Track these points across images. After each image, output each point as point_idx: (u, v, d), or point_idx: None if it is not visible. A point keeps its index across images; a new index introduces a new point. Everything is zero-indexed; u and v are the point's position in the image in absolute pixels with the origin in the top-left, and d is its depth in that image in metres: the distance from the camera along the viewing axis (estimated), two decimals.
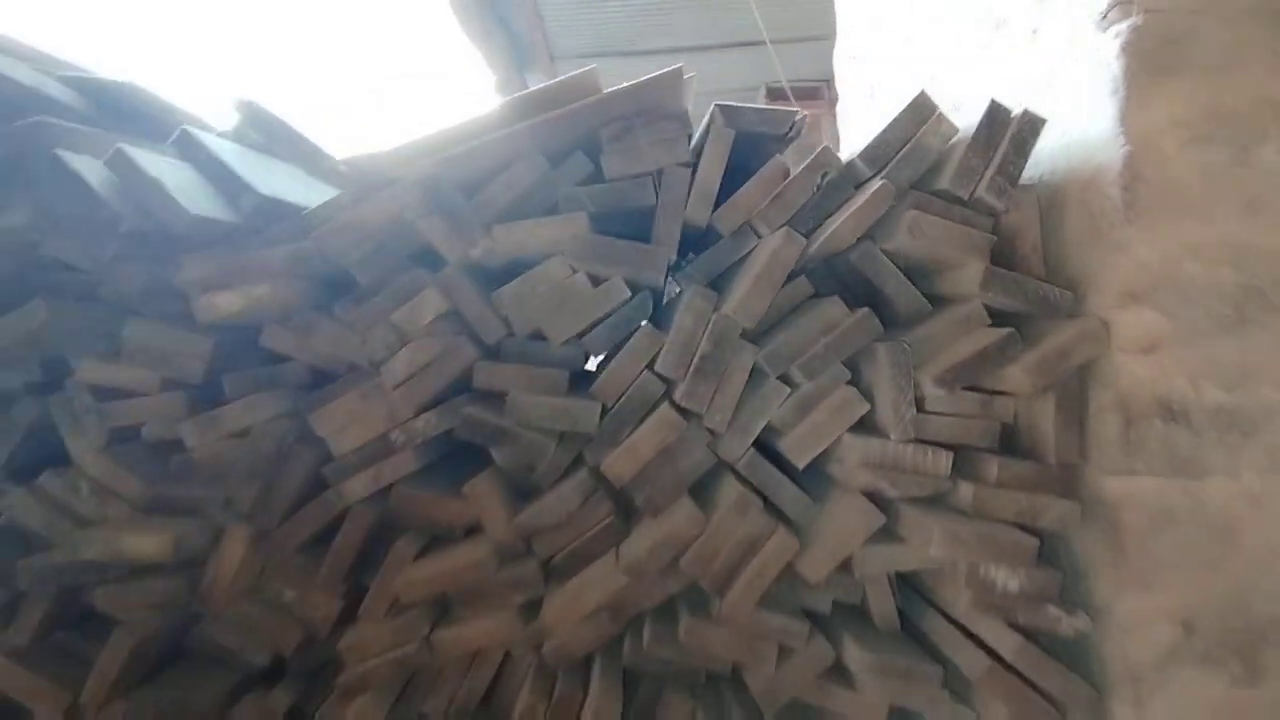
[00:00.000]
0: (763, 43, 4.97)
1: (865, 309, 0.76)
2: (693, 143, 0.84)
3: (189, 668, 0.90)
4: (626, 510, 0.86)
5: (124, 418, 0.87)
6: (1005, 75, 0.85)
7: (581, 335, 0.82)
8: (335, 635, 0.91)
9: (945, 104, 0.79)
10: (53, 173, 0.74)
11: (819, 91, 5.67)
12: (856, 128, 1.30)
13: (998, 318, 0.76)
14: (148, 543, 0.80)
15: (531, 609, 0.86)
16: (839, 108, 1.37)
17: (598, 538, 0.84)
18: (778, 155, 0.80)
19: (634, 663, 0.83)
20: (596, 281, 0.82)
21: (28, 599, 0.87)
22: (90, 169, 0.73)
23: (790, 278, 0.79)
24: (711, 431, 0.79)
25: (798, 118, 0.81)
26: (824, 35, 4.66)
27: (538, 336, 0.84)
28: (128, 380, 0.89)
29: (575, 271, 0.83)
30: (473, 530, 0.89)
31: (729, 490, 0.77)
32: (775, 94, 5.69)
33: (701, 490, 0.83)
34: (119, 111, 0.88)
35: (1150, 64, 0.69)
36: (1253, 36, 0.70)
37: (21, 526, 0.89)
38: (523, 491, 0.89)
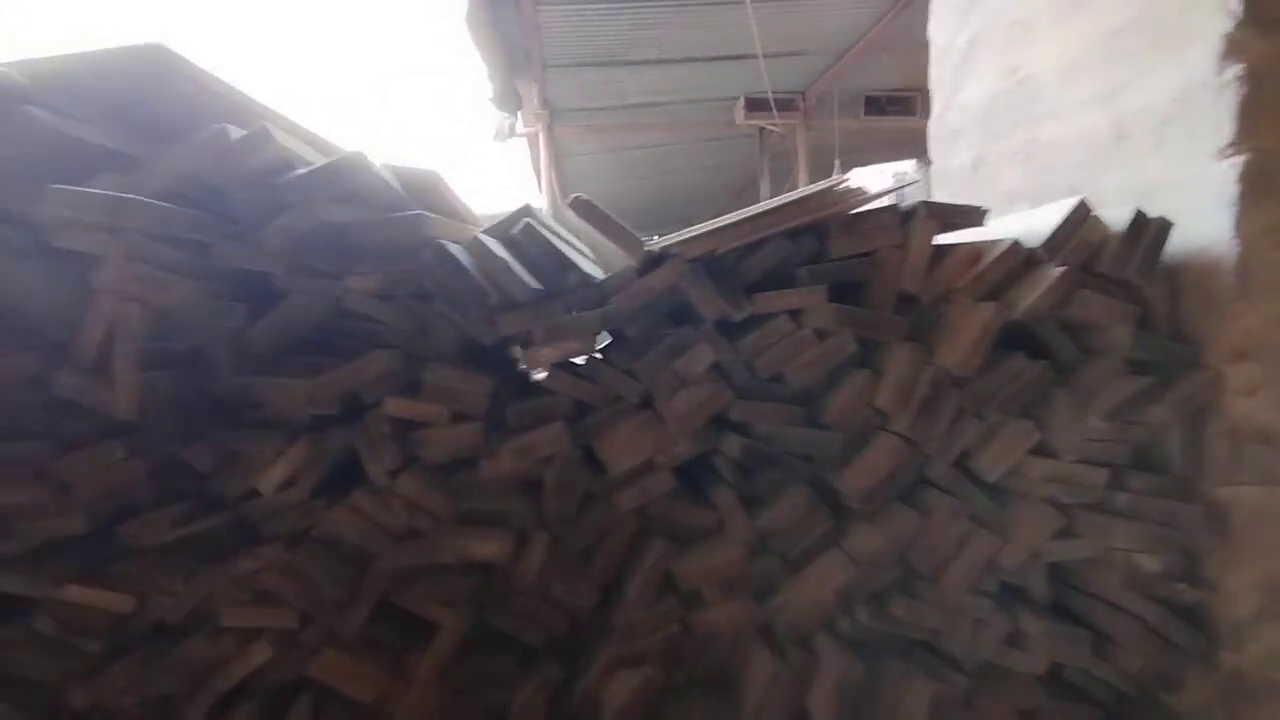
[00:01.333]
0: (743, 56, 5.25)
1: (1044, 361, 1.01)
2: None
3: (476, 649, 1.10)
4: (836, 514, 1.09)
5: (433, 446, 1.06)
6: (1128, 178, 1.11)
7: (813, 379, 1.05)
8: (591, 621, 1.11)
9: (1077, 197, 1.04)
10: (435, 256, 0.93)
11: (795, 103, 5.96)
12: (954, 188, 1.54)
13: (1137, 367, 1.02)
14: (490, 546, 0.99)
15: (763, 594, 1.08)
16: (934, 166, 1.62)
17: (823, 537, 1.06)
18: (970, 241, 1.04)
19: (855, 636, 1.06)
20: (820, 335, 1.05)
21: (357, 600, 1.04)
22: (460, 252, 0.92)
23: None
24: (923, 454, 1.02)
25: (978, 213, 1.05)
26: (802, 51, 4.92)
27: (775, 380, 1.06)
28: (424, 414, 1.07)
29: (800, 327, 1.05)
30: (709, 533, 1.11)
31: (938, 500, 1.01)
32: (754, 104, 5.99)
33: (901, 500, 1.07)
34: (419, 195, 1.06)
35: (1256, 187, 0.95)
36: None
37: (333, 539, 1.07)
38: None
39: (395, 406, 1.06)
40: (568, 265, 0.99)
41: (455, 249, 0.94)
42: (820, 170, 7.28)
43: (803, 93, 6.06)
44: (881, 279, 1.03)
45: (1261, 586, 1.00)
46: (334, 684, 1.04)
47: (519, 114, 6.12)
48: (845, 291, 1.05)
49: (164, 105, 1.00)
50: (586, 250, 1.17)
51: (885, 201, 1.05)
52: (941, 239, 1.03)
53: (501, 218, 1.06)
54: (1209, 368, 1.00)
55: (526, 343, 1.07)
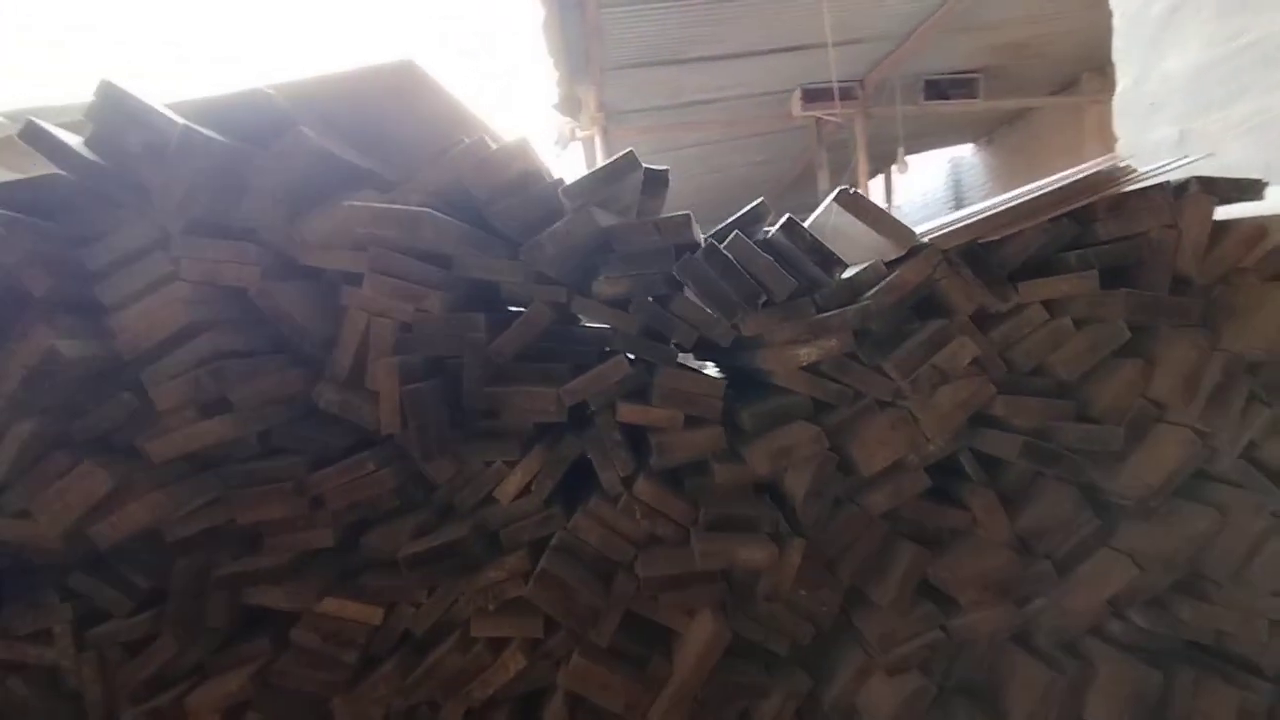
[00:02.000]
0: (799, 48, 5.16)
1: None
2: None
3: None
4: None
5: (671, 451, 1.04)
6: None
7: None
8: (834, 628, 1.08)
9: None
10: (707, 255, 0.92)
11: (853, 91, 5.83)
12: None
13: None
14: (759, 553, 0.96)
15: (1024, 599, 1.03)
16: (1123, 142, 1.54)
17: (1090, 538, 1.01)
18: (1251, 216, 0.97)
19: (1132, 641, 1.00)
20: (1078, 324, 0.99)
21: (609, 609, 1.03)
22: (729, 251, 0.90)
23: None
24: (1211, 446, 0.96)
25: (1258, 185, 0.98)
26: (860, 39, 4.81)
27: (1036, 372, 1.01)
28: (658, 419, 1.05)
29: (1053, 316, 1.00)
30: (958, 534, 1.06)
31: (1233, 495, 0.94)
32: (811, 94, 5.89)
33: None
34: None
35: None
36: None
37: (574, 547, 1.06)
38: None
39: (628, 412, 1.04)
40: (833, 261, 0.96)
41: (724, 248, 0.91)
42: (880, 159, 7.14)
43: (861, 81, 5.94)
44: (1155, 261, 0.97)
45: None
46: (585, 693, 1.03)
47: (579, 118, 6.15)
48: (1106, 276, 0.99)
49: (408, 121, 1.00)
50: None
51: (1152, 180, 0.98)
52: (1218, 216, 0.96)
53: (738, 216, 1.03)
54: None
55: (761, 343, 1.05)
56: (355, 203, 0.90)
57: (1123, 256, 0.97)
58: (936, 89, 6.34)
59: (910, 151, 6.76)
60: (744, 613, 1.06)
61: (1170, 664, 0.99)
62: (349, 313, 1.01)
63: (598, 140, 6.17)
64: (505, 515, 1.07)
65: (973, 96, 6.23)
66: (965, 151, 8.58)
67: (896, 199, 8.24)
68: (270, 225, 0.97)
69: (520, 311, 1.04)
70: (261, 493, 1.01)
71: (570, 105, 5.83)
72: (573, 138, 6.55)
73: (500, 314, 1.06)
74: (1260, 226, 0.96)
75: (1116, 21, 1.52)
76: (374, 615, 1.04)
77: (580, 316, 1.08)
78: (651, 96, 5.71)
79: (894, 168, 6.71)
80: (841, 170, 6.63)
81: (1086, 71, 6.32)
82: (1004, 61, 5.69)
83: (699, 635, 1.02)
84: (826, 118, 5.95)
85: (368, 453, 1.03)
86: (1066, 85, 6.34)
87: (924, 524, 1.04)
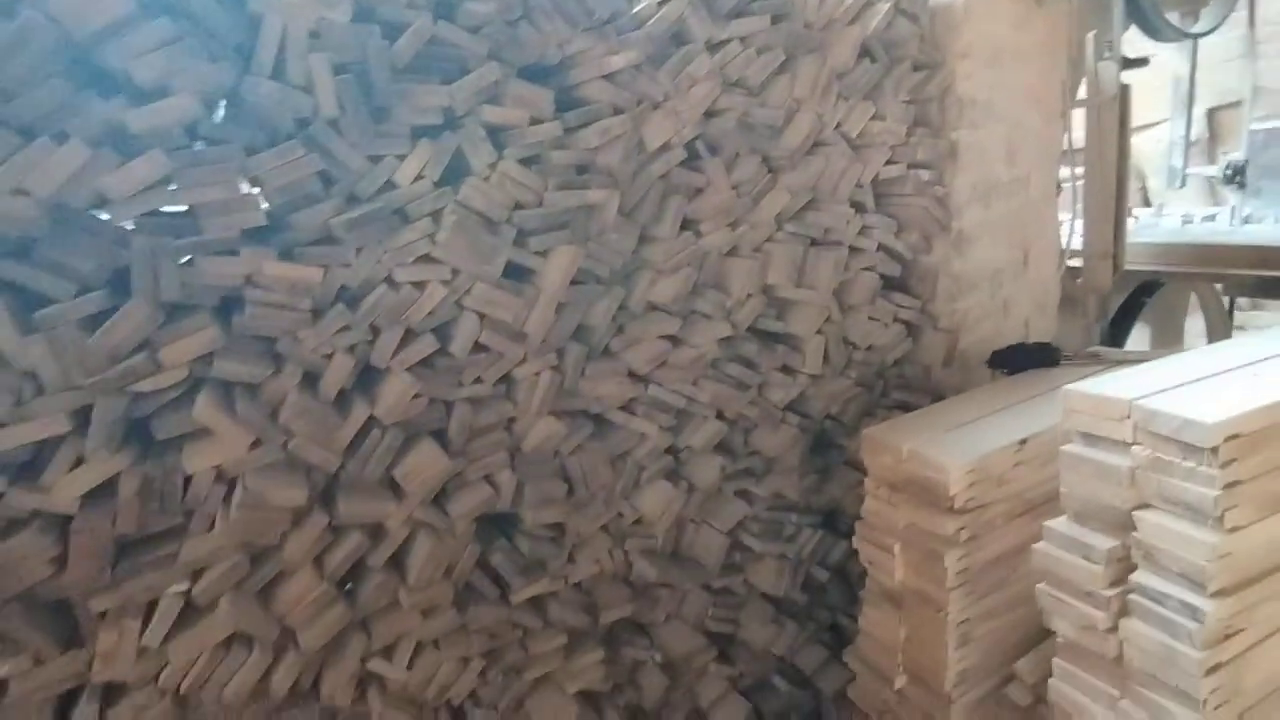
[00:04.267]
0: None
1: None
2: None
3: None
4: None
5: (522, 141, 1.48)
6: None
7: None
8: None
9: None
10: None
11: None
12: None
13: None
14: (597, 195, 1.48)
15: None
16: None
17: None
18: None
19: None
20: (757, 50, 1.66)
21: (498, 252, 1.47)
22: None
23: None
24: None
25: None
26: None
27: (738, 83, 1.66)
28: (512, 118, 1.48)
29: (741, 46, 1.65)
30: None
31: None
32: None
33: None
34: None
35: None
36: None
37: None
38: None
39: (491, 113, 1.46)
40: None
41: None
42: None
43: None
44: None
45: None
46: (486, 310, 1.50)
47: None
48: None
49: None
50: None
51: None
52: None
53: None
54: None
55: (577, 62, 1.51)
56: None
57: (780, 7, 1.64)
58: None
59: None
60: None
61: None
62: (266, 17, 1.21)
63: None
64: (408, 194, 1.42)
65: None
66: None
67: None
68: None
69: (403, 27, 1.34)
70: (206, 172, 1.22)
71: None
72: None
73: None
74: None
75: None
76: (315, 275, 1.35)
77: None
78: None
79: None
80: None
81: None
82: None
83: (559, 263, 1.54)
84: None
85: (295, 140, 1.28)
86: None
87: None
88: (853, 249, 1.89)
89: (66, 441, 1.21)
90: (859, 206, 1.89)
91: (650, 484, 1.77)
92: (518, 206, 1.51)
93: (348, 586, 1.50)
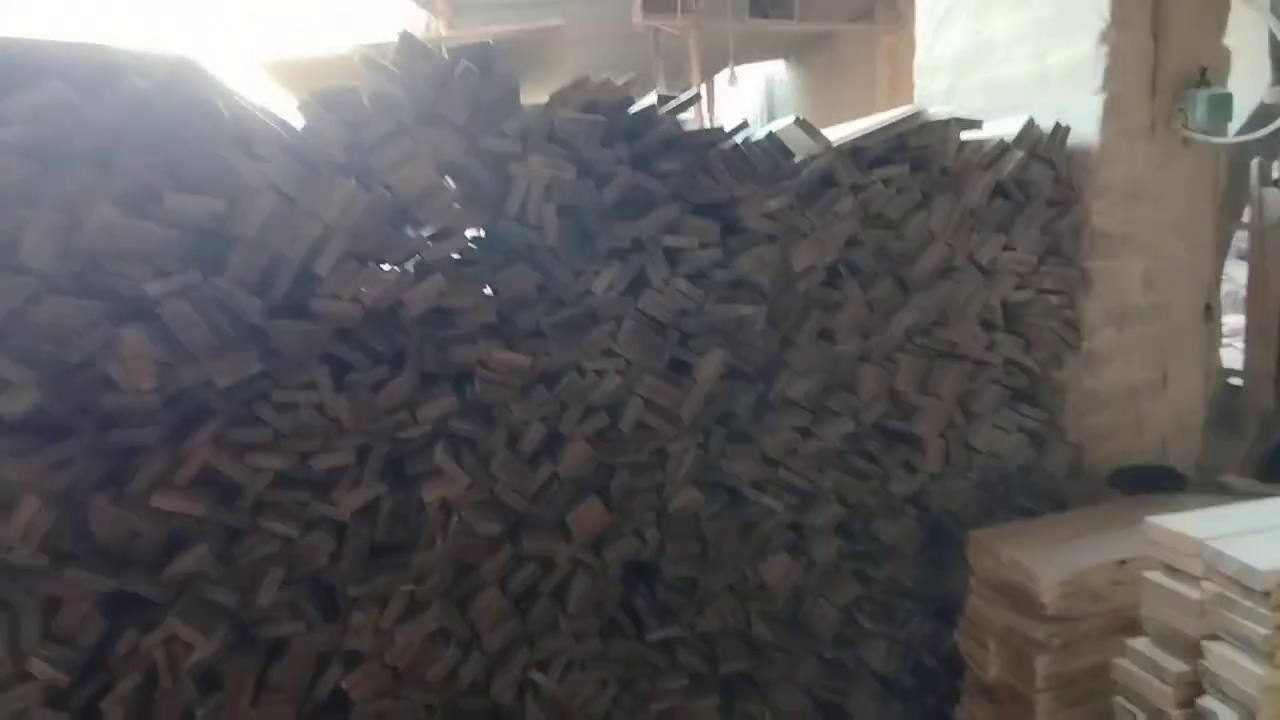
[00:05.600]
0: None
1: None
2: None
3: None
4: None
5: (693, 260, 1.84)
6: (1047, 104, 2.06)
7: None
8: None
9: None
10: None
11: (689, 4, 6.63)
12: (933, 105, 2.45)
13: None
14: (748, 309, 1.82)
15: None
16: (918, 89, 2.52)
17: None
18: (981, 138, 1.94)
19: None
20: (897, 189, 1.93)
21: (663, 350, 1.84)
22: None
23: None
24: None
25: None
26: None
27: (878, 217, 1.94)
28: (686, 244, 1.86)
29: (885, 187, 1.93)
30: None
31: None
32: (651, 4, 6.67)
33: None
34: None
35: (1109, 111, 1.93)
36: None
37: None
38: None
39: (670, 239, 1.83)
40: (789, 153, 1.80)
41: (741, 146, 1.72)
42: (706, 71, 8.07)
43: None
44: (932, 158, 1.92)
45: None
46: (649, 395, 1.86)
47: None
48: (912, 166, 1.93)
49: None
50: None
51: None
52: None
53: (736, 126, 1.83)
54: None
55: (741, 199, 1.87)
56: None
57: (920, 155, 1.91)
58: (759, 7, 7.30)
59: (737, 64, 7.73)
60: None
61: None
62: (516, 178, 1.67)
63: (442, 31, 6.48)
64: (599, 301, 1.82)
65: (789, 17, 7.26)
66: (777, 68, 9.79)
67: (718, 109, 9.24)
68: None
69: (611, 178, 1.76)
70: (464, 286, 1.68)
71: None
72: (426, 32, 6.76)
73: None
74: (980, 142, 1.94)
75: (918, 14, 2.46)
76: (526, 361, 1.77)
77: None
78: None
79: (727, 80, 7.63)
80: (674, 78, 7.43)
81: (880, 2, 7.51)
82: None
83: (712, 362, 1.87)
84: (664, 27, 6.70)
85: (524, 262, 1.72)
86: (863, 14, 7.51)
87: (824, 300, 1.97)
88: (980, 362, 2.07)
89: (350, 470, 1.69)
90: (988, 324, 2.08)
91: (774, 554, 2.02)
92: (683, 314, 1.86)
93: (521, 606, 1.88)
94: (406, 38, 1.50)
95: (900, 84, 7.40)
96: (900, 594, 2.15)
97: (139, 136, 1.39)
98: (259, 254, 1.51)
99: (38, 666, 1.50)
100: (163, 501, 1.52)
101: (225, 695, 1.65)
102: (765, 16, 7.10)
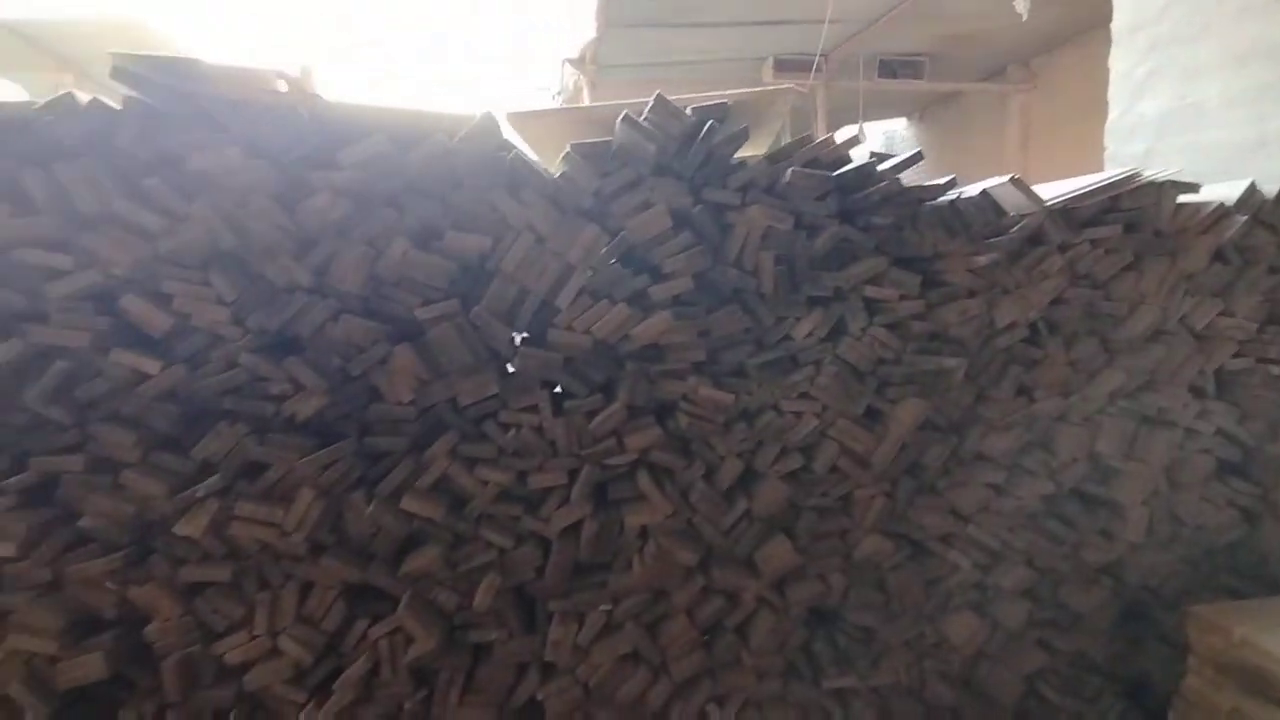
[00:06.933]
0: (778, 22, 6.05)
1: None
2: None
3: None
4: None
5: (893, 312, 1.89)
6: (1266, 169, 2.00)
7: None
8: None
9: None
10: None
11: (819, 64, 6.76)
12: (1127, 166, 2.41)
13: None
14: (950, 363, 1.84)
15: None
16: (1109, 152, 2.49)
17: None
18: (1198, 201, 1.91)
19: None
20: (1106, 251, 1.91)
21: (861, 395, 1.88)
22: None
23: None
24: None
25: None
26: (832, 19, 5.72)
27: (1085, 275, 1.93)
28: (888, 295, 1.90)
29: (1093, 248, 1.91)
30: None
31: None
32: (782, 64, 6.83)
33: None
34: None
35: None
36: None
37: None
38: None
39: (871, 290, 1.89)
40: (1002, 211, 1.83)
41: (956, 203, 1.77)
42: (835, 127, 8.15)
43: (825, 55, 6.85)
44: (1148, 221, 1.90)
45: None
46: (841, 439, 1.89)
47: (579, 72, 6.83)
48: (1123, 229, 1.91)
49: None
50: None
51: None
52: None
53: (945, 182, 1.88)
54: None
55: (944, 254, 1.90)
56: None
57: (1134, 217, 1.89)
58: (888, 68, 7.38)
59: (862, 121, 7.79)
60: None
61: None
62: (736, 226, 1.78)
63: (586, 93, 6.87)
64: (800, 346, 1.89)
65: (918, 77, 7.31)
66: (898, 125, 9.78)
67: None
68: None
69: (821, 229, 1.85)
70: (680, 325, 1.79)
71: (580, 60, 6.51)
72: (574, 90, 7.21)
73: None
74: (1198, 205, 1.90)
75: (1113, 75, 2.45)
76: (729, 399, 1.85)
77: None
78: (646, 54, 6.41)
79: (856, 137, 7.69)
80: (799, 134, 7.57)
81: (1012, 63, 7.45)
82: (947, 49, 6.73)
83: (908, 412, 1.90)
84: (795, 88, 6.86)
85: (735, 305, 1.82)
86: (995, 73, 7.44)
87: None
88: (1189, 430, 1.98)
89: (558, 491, 1.81)
90: (1199, 392, 1.99)
91: (957, 612, 1.98)
92: (881, 363, 1.90)
93: (706, 639, 1.92)
94: (660, 99, 1.65)
95: (1033, 143, 7.25)
96: (1088, 669, 2.05)
97: (429, 183, 1.59)
98: (510, 287, 1.68)
99: (288, 644, 1.68)
100: (409, 504, 1.68)
101: (436, 690, 1.78)
102: (894, 77, 7.18)
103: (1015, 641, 2.03)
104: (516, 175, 1.61)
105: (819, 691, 1.95)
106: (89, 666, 1.55)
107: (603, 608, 1.84)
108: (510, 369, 1.77)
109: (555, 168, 1.71)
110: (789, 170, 1.73)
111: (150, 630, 1.60)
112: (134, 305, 1.49)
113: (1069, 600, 2.02)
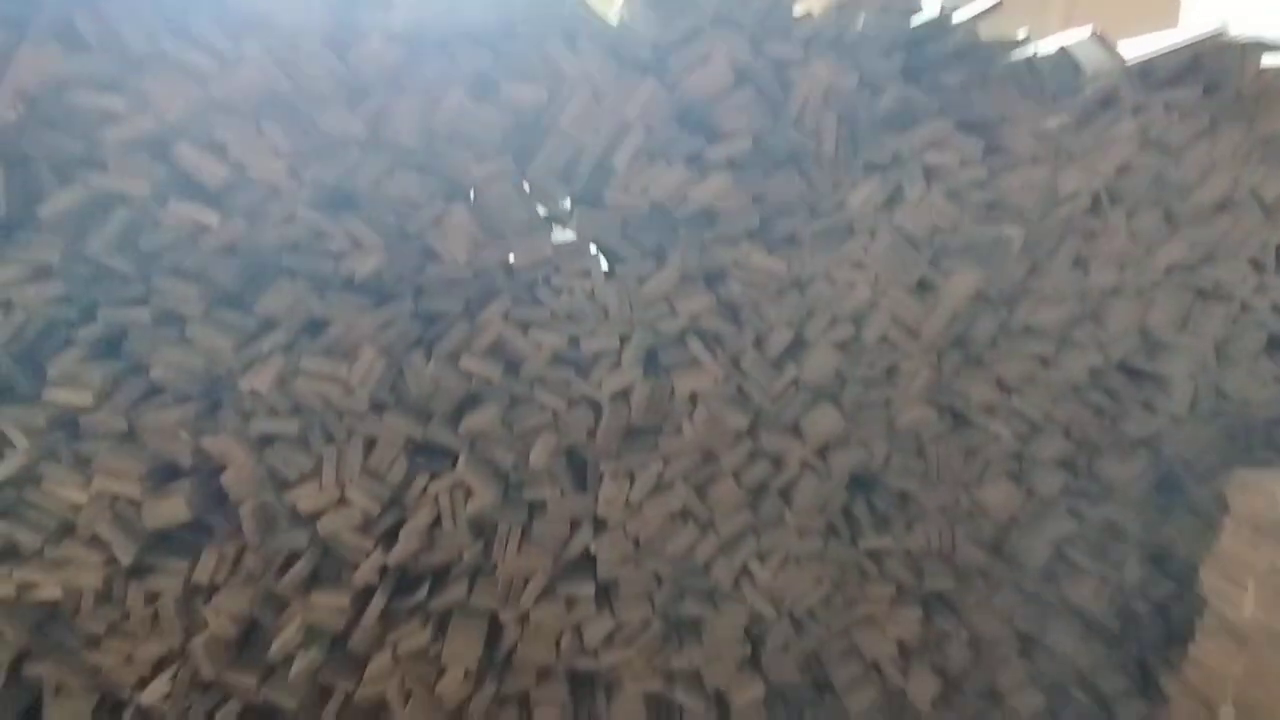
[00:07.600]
0: None
1: None
2: None
3: None
4: None
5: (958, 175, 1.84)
6: None
7: None
8: None
9: None
10: None
11: None
12: None
13: None
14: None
15: None
16: None
17: None
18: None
19: None
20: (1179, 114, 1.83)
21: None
22: None
23: None
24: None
25: None
26: None
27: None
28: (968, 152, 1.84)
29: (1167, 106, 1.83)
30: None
31: None
32: None
33: None
34: None
35: None
36: None
37: None
38: None
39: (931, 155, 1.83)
40: (1079, 71, 1.74)
41: (1035, 60, 1.68)
42: None
43: None
44: (1226, 81, 1.81)
45: None
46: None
47: None
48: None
49: None
50: None
51: None
52: None
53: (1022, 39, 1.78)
54: None
55: (1010, 118, 1.83)
56: None
57: (1214, 78, 1.80)
58: None
59: None
60: None
61: None
62: (798, 83, 1.71)
63: None
64: (856, 214, 1.85)
65: None
66: None
67: None
68: None
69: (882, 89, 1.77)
70: (735, 189, 1.75)
71: None
72: None
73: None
74: None
75: None
76: (782, 267, 1.83)
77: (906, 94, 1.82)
78: None
79: None
80: None
81: None
82: None
83: (961, 284, 1.88)
84: None
85: (792, 168, 1.77)
86: None
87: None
88: (1244, 304, 1.96)
89: (608, 354, 1.83)
90: (1258, 265, 1.96)
91: (994, 481, 2.04)
92: (937, 231, 1.87)
93: (751, 500, 2.00)
94: None
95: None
96: (1116, 536, 2.13)
97: (482, 29, 1.52)
98: (566, 145, 1.63)
99: (355, 495, 1.75)
100: (468, 363, 1.71)
101: (495, 541, 1.87)
102: None
103: (1047, 510, 2.09)
104: (574, 22, 1.54)
105: (856, 551, 2.04)
106: (172, 508, 1.63)
107: (655, 467, 1.90)
108: (563, 230, 1.75)
109: (612, 14, 1.62)
110: (860, 17, 1.64)
111: (226, 478, 1.67)
112: (189, 153, 1.46)
113: (1104, 471, 2.06)
